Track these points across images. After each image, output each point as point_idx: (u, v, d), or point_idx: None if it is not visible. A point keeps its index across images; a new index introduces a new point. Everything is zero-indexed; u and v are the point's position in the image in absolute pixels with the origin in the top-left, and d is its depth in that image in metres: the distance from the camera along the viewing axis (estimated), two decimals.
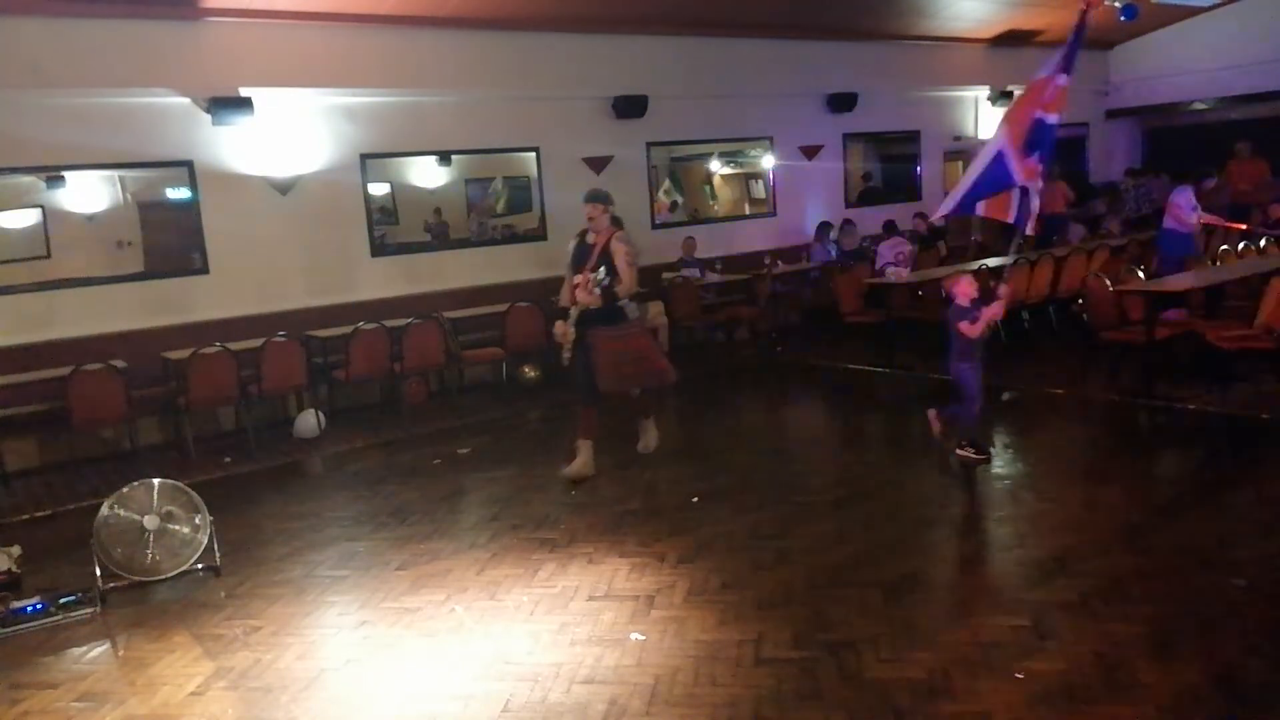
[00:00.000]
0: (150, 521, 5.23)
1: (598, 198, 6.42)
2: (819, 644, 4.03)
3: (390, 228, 10.82)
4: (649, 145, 11.37)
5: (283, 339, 8.22)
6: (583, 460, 6.59)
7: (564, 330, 6.39)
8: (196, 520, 5.38)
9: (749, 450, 7.32)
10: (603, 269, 6.26)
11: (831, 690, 3.68)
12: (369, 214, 9.68)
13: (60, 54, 7.91)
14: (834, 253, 11.96)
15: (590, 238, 6.45)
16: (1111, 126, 16.59)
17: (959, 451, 6.36)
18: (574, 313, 6.37)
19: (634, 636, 4.23)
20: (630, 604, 4.56)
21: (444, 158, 10.73)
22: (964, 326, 6.13)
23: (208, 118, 8.53)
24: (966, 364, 6.22)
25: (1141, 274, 8.68)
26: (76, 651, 4.58)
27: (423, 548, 5.52)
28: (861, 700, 3.60)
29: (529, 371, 9.63)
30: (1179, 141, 16.07)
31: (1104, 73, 16.13)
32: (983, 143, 6.14)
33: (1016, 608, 4.25)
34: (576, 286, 6.37)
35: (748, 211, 13.29)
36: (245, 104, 8.55)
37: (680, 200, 13.12)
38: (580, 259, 6.43)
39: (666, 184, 13.03)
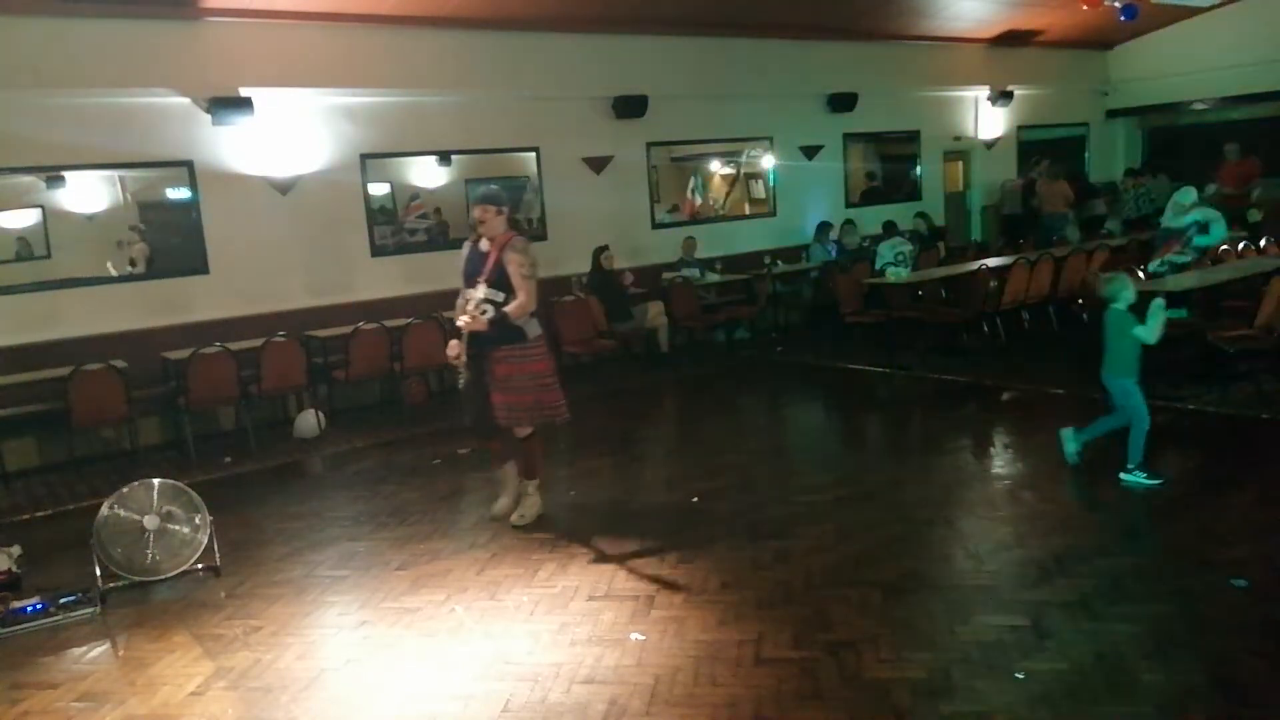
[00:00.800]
0: (150, 521, 5.23)
1: (489, 198, 5.44)
2: (819, 644, 4.03)
3: (390, 227, 10.78)
4: (649, 145, 11.38)
5: (283, 339, 8.22)
6: (505, 498, 5.90)
7: (455, 350, 5.40)
8: (196, 520, 5.38)
9: (749, 450, 7.30)
10: (482, 287, 5.37)
11: (831, 690, 3.68)
12: (369, 214, 9.68)
13: (60, 54, 7.91)
14: (834, 252, 11.96)
15: (484, 245, 5.53)
16: (1111, 126, 16.59)
17: (1131, 476, 5.68)
18: (464, 330, 5.45)
19: (634, 636, 4.23)
20: (630, 604, 4.55)
21: (444, 158, 10.72)
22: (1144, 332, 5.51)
23: (208, 118, 8.54)
24: (1133, 379, 5.66)
25: (1142, 274, 8.68)
26: (76, 651, 4.58)
27: (423, 548, 5.52)
28: (861, 700, 3.60)
29: None
30: (1179, 141, 16.08)
31: (1104, 73, 16.13)
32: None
33: (1016, 608, 4.24)
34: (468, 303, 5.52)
35: (748, 211, 13.28)
36: (245, 104, 8.56)
37: (701, 200, 13.10)
38: (473, 268, 5.52)
39: (694, 182, 13.01)
